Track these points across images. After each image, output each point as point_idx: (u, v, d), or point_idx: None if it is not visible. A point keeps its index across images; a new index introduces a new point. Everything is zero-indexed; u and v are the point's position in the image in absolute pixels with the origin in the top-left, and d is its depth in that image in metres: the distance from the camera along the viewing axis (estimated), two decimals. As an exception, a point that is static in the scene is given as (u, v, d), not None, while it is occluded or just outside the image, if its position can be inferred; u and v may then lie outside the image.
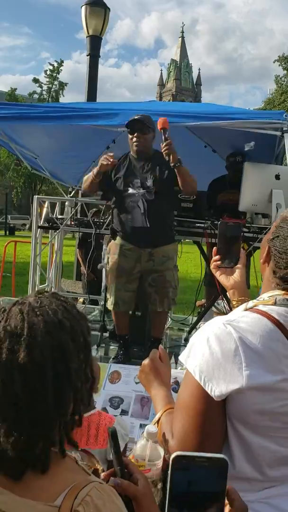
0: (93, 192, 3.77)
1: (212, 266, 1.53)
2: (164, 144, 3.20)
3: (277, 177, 3.83)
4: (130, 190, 3.41)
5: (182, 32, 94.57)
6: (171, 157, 3.20)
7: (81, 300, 5.79)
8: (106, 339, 4.23)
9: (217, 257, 1.52)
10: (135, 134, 3.41)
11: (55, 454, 0.86)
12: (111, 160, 3.29)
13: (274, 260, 1.16)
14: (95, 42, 6.88)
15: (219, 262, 1.51)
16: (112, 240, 3.65)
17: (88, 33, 6.84)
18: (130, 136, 3.45)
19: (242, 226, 1.58)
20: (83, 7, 6.87)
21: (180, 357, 1.11)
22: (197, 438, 1.03)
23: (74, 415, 0.90)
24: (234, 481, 0.99)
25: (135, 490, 0.94)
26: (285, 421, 1.03)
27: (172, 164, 3.23)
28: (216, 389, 1.00)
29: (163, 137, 3.21)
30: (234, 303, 1.45)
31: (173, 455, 0.73)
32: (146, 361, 1.35)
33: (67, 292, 5.58)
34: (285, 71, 24.40)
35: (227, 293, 1.51)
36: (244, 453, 1.04)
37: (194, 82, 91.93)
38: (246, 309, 1.12)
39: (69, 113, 3.78)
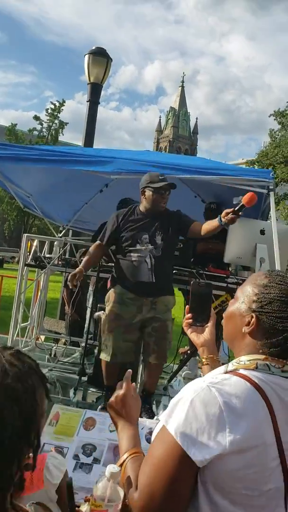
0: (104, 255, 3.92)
1: (184, 324, 1.56)
2: (234, 216, 3.16)
3: (262, 232, 3.94)
4: (138, 246, 3.44)
5: (182, 81, 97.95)
6: (230, 222, 3.21)
7: (62, 341, 5.74)
8: (84, 383, 4.18)
9: (189, 315, 1.55)
10: (166, 193, 3.49)
11: None
12: (74, 281, 3.48)
13: (269, 326, 1.17)
14: (96, 89, 7.13)
15: (190, 321, 1.54)
16: (112, 289, 3.60)
17: (89, 80, 7.09)
18: (156, 195, 3.45)
19: (212, 286, 1.64)
20: (87, 56, 7.16)
21: (160, 417, 1.10)
22: (162, 498, 1.02)
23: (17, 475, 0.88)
24: None
25: None
26: (256, 489, 1.02)
27: (225, 225, 3.26)
28: (199, 455, 0.99)
29: (239, 210, 3.15)
30: (204, 360, 1.48)
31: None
32: (119, 394, 1.33)
33: (49, 331, 5.54)
34: (280, 126, 25.26)
35: (198, 350, 1.54)
36: None
37: (191, 130, 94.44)
38: (226, 372, 1.14)
39: (64, 157, 3.87)
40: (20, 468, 0.87)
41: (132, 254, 3.44)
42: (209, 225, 3.37)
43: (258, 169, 8.92)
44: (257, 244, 3.90)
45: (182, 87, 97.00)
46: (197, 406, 1.03)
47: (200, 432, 1.00)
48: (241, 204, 3.13)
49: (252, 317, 1.20)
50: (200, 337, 1.52)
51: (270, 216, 4.22)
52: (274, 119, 25.30)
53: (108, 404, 1.35)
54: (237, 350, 1.24)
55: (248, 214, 4.41)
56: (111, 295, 3.56)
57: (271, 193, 3.73)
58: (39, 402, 0.92)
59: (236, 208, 3.12)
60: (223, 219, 3.18)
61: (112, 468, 1.15)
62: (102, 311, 3.87)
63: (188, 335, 1.53)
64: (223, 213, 3.18)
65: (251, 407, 1.03)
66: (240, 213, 3.12)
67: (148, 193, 3.49)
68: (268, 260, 3.79)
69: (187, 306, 1.58)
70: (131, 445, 1.24)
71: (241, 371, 1.12)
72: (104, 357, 3.54)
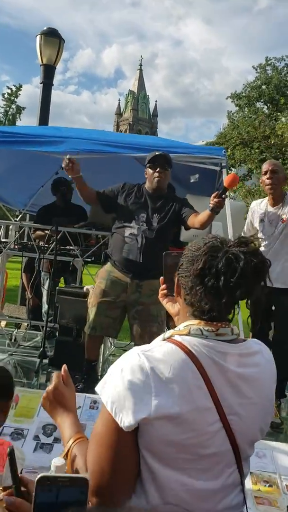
0: (90, 201, 3.66)
1: (159, 295, 1.56)
2: (220, 200, 3.06)
3: (217, 210, 3.98)
4: (133, 223, 3.41)
5: (140, 64, 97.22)
6: (216, 208, 3.12)
7: (25, 325, 5.69)
8: (46, 366, 4.17)
9: (164, 286, 1.56)
10: (158, 169, 3.40)
11: None
12: (68, 161, 3.29)
13: (183, 289, 1.20)
14: (49, 71, 6.99)
15: (165, 291, 1.55)
16: (104, 266, 3.62)
17: (42, 61, 6.94)
18: (151, 171, 3.43)
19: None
20: (38, 37, 6.99)
21: (96, 388, 1.11)
22: (110, 471, 1.02)
23: None
24: None
25: (28, 508, 0.93)
26: (194, 453, 1.03)
27: (214, 210, 3.14)
28: (126, 420, 1.00)
29: (223, 193, 3.06)
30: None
31: (37, 477, 0.79)
32: (49, 388, 1.31)
33: (9, 317, 5.47)
34: (237, 108, 25.47)
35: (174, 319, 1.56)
36: (156, 488, 1.04)
37: (151, 113, 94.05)
38: (164, 339, 1.14)
39: (14, 138, 3.80)
40: None
41: (126, 229, 3.42)
42: (202, 216, 3.29)
43: (211, 147, 8.98)
44: (212, 222, 3.95)
45: (140, 70, 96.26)
46: (125, 374, 1.03)
47: (127, 398, 1.01)
48: (223, 187, 3.09)
49: (176, 280, 1.23)
50: (175, 307, 1.53)
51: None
52: (232, 101, 25.53)
53: (42, 401, 1.32)
54: (180, 317, 1.26)
55: (203, 191, 4.47)
56: (101, 271, 3.59)
57: (224, 171, 3.79)
58: None
59: (219, 192, 3.08)
60: (210, 205, 3.13)
61: (57, 461, 1.15)
62: (91, 286, 3.89)
63: (164, 306, 1.53)
64: (211, 199, 3.13)
65: (180, 373, 1.03)
66: (223, 196, 3.07)
67: (147, 170, 3.47)
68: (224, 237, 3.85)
69: (161, 278, 1.59)
70: (73, 431, 1.23)
71: (175, 337, 1.12)
72: (85, 329, 3.60)
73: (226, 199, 3.97)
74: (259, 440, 1.19)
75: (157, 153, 3.42)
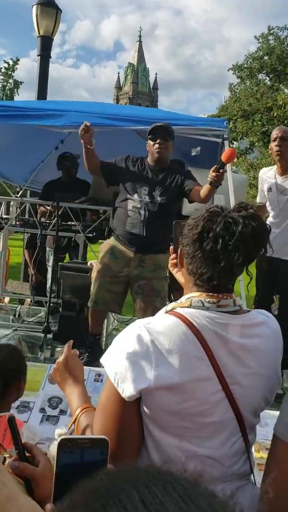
0: (96, 172, 3.54)
1: (169, 265, 1.55)
2: (218, 174, 3.00)
3: (218, 182, 3.95)
4: (136, 196, 3.37)
5: (140, 36, 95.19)
6: (215, 182, 3.06)
7: (28, 301, 5.72)
8: (50, 341, 4.21)
9: (173, 255, 1.56)
10: (158, 141, 3.33)
11: None
12: (87, 126, 3.19)
13: (185, 258, 1.19)
14: (46, 42, 6.85)
15: (175, 260, 1.56)
16: (107, 240, 3.61)
17: (39, 33, 6.79)
18: (151, 143, 3.37)
19: None
20: (34, 7, 6.82)
21: (101, 359, 1.14)
22: (115, 440, 1.04)
23: None
24: None
25: (32, 471, 0.97)
26: (196, 421, 1.06)
27: (213, 184, 3.09)
28: (127, 390, 1.03)
29: (221, 168, 2.99)
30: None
31: (58, 439, 0.81)
32: (60, 359, 1.36)
33: (13, 293, 5.49)
34: (239, 80, 25.04)
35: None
36: (159, 453, 1.07)
37: (151, 86, 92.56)
38: (166, 312, 1.15)
39: (13, 112, 3.74)
40: None
41: (128, 203, 3.39)
42: (203, 190, 3.23)
43: (213, 119, 8.84)
44: (215, 194, 3.92)
45: (140, 42, 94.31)
46: (127, 346, 1.06)
47: (129, 369, 1.03)
48: (220, 161, 3.02)
49: (179, 251, 1.23)
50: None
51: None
52: (233, 73, 25.07)
53: (52, 372, 1.37)
54: (184, 290, 1.26)
55: (205, 164, 4.42)
56: (105, 245, 3.58)
57: (226, 143, 3.73)
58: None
59: (217, 166, 3.01)
60: (209, 179, 3.07)
61: (60, 430, 1.17)
62: (95, 260, 3.87)
63: (174, 275, 1.52)
64: (209, 173, 3.08)
65: (179, 344, 1.05)
66: (221, 170, 3.00)
67: (148, 142, 3.42)
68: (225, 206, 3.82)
69: (171, 247, 1.58)
70: (81, 401, 1.26)
71: (177, 310, 1.13)
72: (88, 303, 3.60)
73: (227, 173, 3.94)
74: (263, 409, 1.21)
75: (157, 124, 3.37)
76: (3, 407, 1.67)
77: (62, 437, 0.81)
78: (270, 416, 2.88)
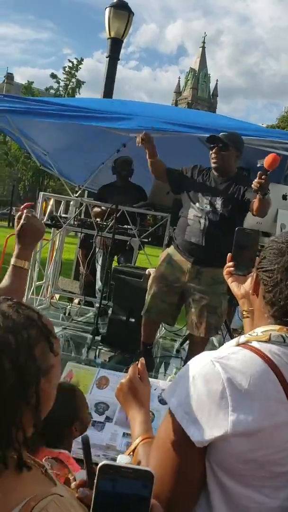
0: (161, 178, 3.53)
1: (224, 272, 1.47)
2: (259, 181, 2.92)
3: (284, 197, 3.83)
4: (197, 204, 3.31)
5: (203, 42, 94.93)
6: (259, 190, 2.98)
7: (76, 301, 5.77)
8: (97, 343, 4.20)
9: (231, 263, 1.47)
10: (213, 150, 3.29)
11: (13, 462, 0.81)
12: (145, 137, 3.20)
13: (264, 285, 1.08)
14: (116, 44, 6.89)
15: (232, 269, 1.46)
16: (167, 248, 3.58)
17: (110, 35, 6.84)
18: (210, 152, 3.34)
19: (259, 233, 1.54)
20: (107, 9, 6.88)
21: (163, 394, 1.04)
22: (172, 482, 0.96)
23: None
24: None
25: None
26: (271, 471, 0.95)
27: (258, 192, 3.01)
28: (198, 434, 0.92)
29: (263, 175, 2.91)
30: (244, 313, 1.37)
31: (100, 464, 0.74)
32: (124, 380, 1.28)
33: (63, 291, 5.55)
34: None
35: (239, 302, 1.43)
36: (226, 504, 0.96)
37: (211, 93, 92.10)
38: (238, 344, 1.04)
39: (81, 113, 3.76)
40: (19, 426, 0.81)
41: (190, 212, 3.34)
42: (255, 202, 3.10)
43: (281, 130, 8.64)
44: (279, 209, 3.80)
45: (203, 47, 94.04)
46: (198, 383, 0.95)
47: (200, 410, 0.92)
48: (263, 168, 2.92)
49: (254, 275, 1.12)
50: (241, 288, 1.42)
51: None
52: (298, 83, 24.49)
53: (116, 392, 1.30)
54: (256, 320, 1.14)
55: (270, 178, 4.29)
56: (163, 254, 3.55)
57: (295, 156, 3.60)
58: (38, 356, 0.85)
59: (261, 173, 2.91)
60: (253, 187, 2.98)
61: (122, 459, 1.11)
62: (153, 269, 3.82)
63: (229, 285, 1.44)
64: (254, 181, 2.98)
65: (260, 384, 0.93)
66: (263, 177, 2.90)
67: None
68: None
69: (229, 254, 1.49)
70: (143, 430, 1.18)
71: (253, 344, 1.01)
72: (142, 312, 3.54)
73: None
74: None
75: (212, 134, 3.29)
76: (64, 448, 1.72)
77: (104, 462, 0.74)
78: None
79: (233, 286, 1.42)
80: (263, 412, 0.92)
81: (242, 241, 1.49)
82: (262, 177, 2.88)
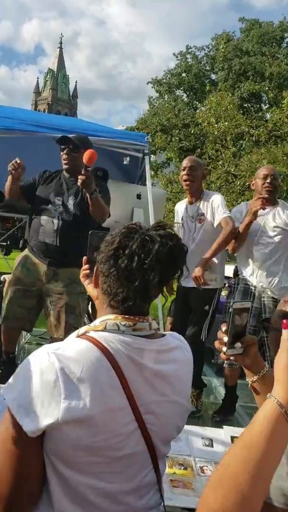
0: (15, 198, 3.38)
1: (81, 276, 1.48)
2: (80, 176, 2.97)
3: (138, 196, 4.00)
4: (50, 206, 3.25)
5: (61, 42, 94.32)
6: (83, 187, 3.03)
7: None
8: None
9: (86, 266, 1.47)
10: (65, 151, 3.26)
11: None
12: (17, 164, 3.09)
13: (101, 277, 1.13)
14: None
15: (87, 271, 1.47)
16: (22, 252, 3.44)
17: None
18: (61, 153, 3.30)
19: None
20: None
21: (2, 390, 1.02)
22: (12, 479, 0.95)
23: None
24: None
25: None
26: (107, 456, 0.98)
27: (87, 194, 3.07)
28: (31, 425, 0.93)
29: (83, 170, 2.97)
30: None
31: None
32: None
33: None
34: (157, 94, 25.60)
35: (95, 303, 1.46)
36: (64, 492, 0.98)
37: (71, 94, 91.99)
38: (78, 336, 1.07)
39: None
40: None
41: (43, 214, 3.27)
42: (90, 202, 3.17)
43: (134, 133, 8.96)
44: (134, 208, 3.95)
45: (61, 48, 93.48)
46: (34, 375, 0.96)
47: (35, 401, 0.94)
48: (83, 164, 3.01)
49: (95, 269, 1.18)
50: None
51: (147, 180, 4.29)
52: (152, 87, 25.60)
53: None
54: (98, 311, 1.18)
55: (125, 178, 4.45)
56: (18, 257, 3.42)
57: (146, 157, 3.78)
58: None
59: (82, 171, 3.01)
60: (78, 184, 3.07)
61: None
62: (8, 275, 3.66)
63: (85, 287, 1.43)
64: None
65: (93, 371, 0.97)
66: (83, 172, 2.95)
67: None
68: (144, 223, 3.86)
69: (84, 257, 1.50)
70: None
71: (91, 334, 1.05)
72: (0, 319, 3.39)
73: (147, 186, 3.99)
74: (175, 437, 1.17)
75: (63, 135, 3.31)
76: None
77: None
78: (183, 430, 2.94)
79: (89, 287, 1.43)
80: (96, 398, 0.95)
81: (96, 244, 1.54)
82: (83, 172, 2.95)
